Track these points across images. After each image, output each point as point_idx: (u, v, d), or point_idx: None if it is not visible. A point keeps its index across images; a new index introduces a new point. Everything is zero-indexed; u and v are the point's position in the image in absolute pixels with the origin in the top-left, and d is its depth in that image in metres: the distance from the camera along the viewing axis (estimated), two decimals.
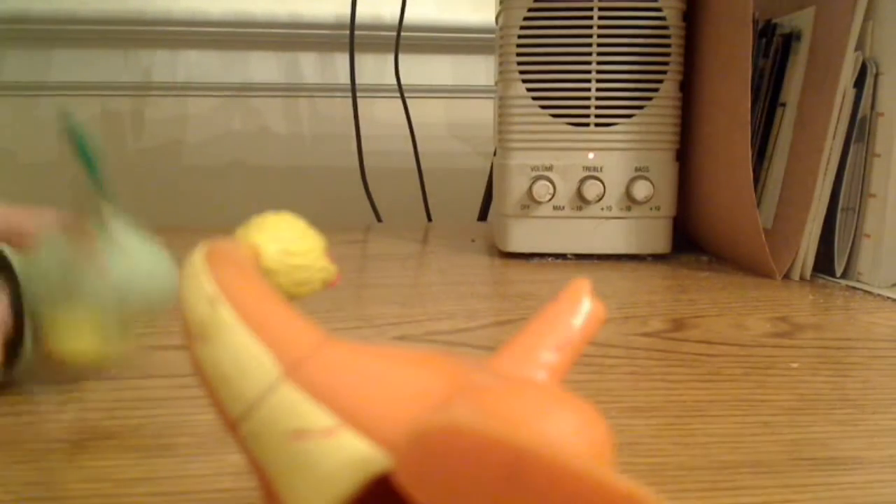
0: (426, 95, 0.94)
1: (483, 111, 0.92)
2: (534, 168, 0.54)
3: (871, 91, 0.47)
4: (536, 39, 0.54)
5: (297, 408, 0.13)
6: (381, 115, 0.94)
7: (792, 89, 0.52)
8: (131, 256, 0.25)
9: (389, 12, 0.89)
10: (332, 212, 0.93)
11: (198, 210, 0.91)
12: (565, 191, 0.54)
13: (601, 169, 0.54)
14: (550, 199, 0.54)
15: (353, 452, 0.12)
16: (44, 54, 0.90)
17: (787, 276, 0.49)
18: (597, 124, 0.54)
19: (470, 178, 0.90)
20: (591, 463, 0.09)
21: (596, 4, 0.53)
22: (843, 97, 0.47)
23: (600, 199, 0.54)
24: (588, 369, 0.30)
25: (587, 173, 0.54)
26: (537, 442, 0.09)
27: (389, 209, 0.86)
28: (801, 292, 0.45)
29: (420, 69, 0.95)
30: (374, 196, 0.84)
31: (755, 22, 0.52)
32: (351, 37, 0.82)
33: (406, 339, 0.34)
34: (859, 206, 0.47)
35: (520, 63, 0.54)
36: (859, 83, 0.47)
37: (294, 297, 0.19)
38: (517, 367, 0.15)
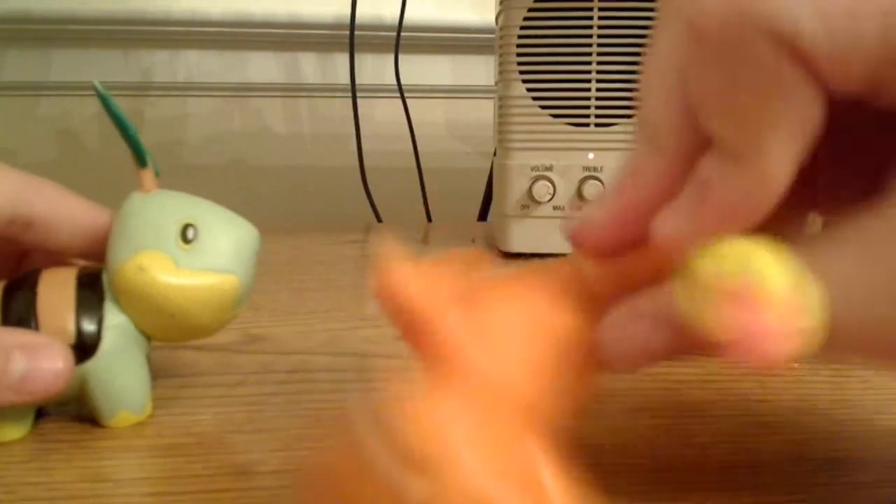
0: (426, 95, 0.94)
1: (483, 111, 0.92)
2: (534, 168, 0.54)
3: None
4: (536, 39, 0.54)
5: None
6: (381, 115, 0.94)
7: None
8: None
9: (389, 12, 0.89)
10: (332, 212, 0.93)
11: None
12: (565, 191, 0.54)
13: (601, 169, 0.54)
14: (550, 199, 0.54)
15: None
16: (44, 54, 0.90)
17: None
18: (597, 124, 0.54)
19: (470, 178, 0.90)
20: None
21: (596, 4, 0.53)
22: None
23: None
24: None
25: (587, 173, 0.54)
26: None
27: (389, 209, 0.86)
28: None
29: (420, 69, 0.95)
30: (374, 196, 0.84)
31: None
32: (351, 37, 0.82)
33: None
34: None
35: (520, 63, 0.54)
36: None
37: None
38: None
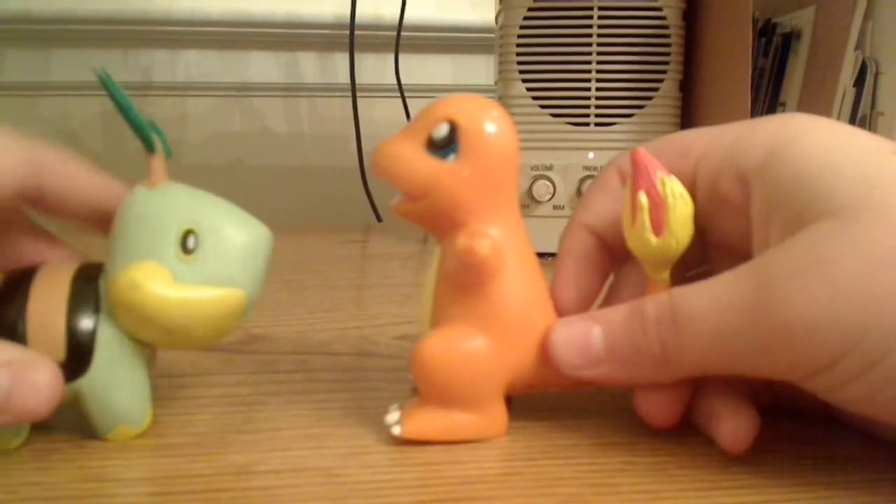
0: (426, 95, 0.94)
1: None
2: (534, 167, 0.54)
3: (871, 90, 0.47)
4: (536, 39, 0.54)
5: None
6: (381, 114, 0.94)
7: (792, 89, 0.52)
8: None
9: (389, 12, 0.89)
10: (332, 212, 0.93)
11: None
12: (565, 190, 0.54)
13: (601, 168, 0.54)
14: (550, 199, 0.54)
15: None
16: (44, 54, 0.90)
17: None
18: (597, 124, 0.54)
19: None
20: None
21: (596, 4, 0.53)
22: (843, 96, 0.47)
23: None
24: None
25: (587, 173, 0.54)
26: None
27: (389, 209, 0.86)
28: None
29: (420, 69, 0.95)
30: (374, 196, 0.84)
31: (755, 21, 0.52)
32: (351, 37, 0.82)
33: (406, 338, 0.34)
34: None
35: (519, 63, 0.54)
36: (859, 82, 0.47)
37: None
38: None
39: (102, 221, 0.24)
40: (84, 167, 0.25)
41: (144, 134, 0.22)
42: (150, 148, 0.23)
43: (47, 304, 0.22)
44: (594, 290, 0.25)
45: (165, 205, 0.22)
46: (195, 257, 0.22)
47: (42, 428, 0.23)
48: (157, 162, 0.23)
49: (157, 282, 0.21)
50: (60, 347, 0.21)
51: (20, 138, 0.24)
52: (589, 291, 0.25)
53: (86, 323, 0.22)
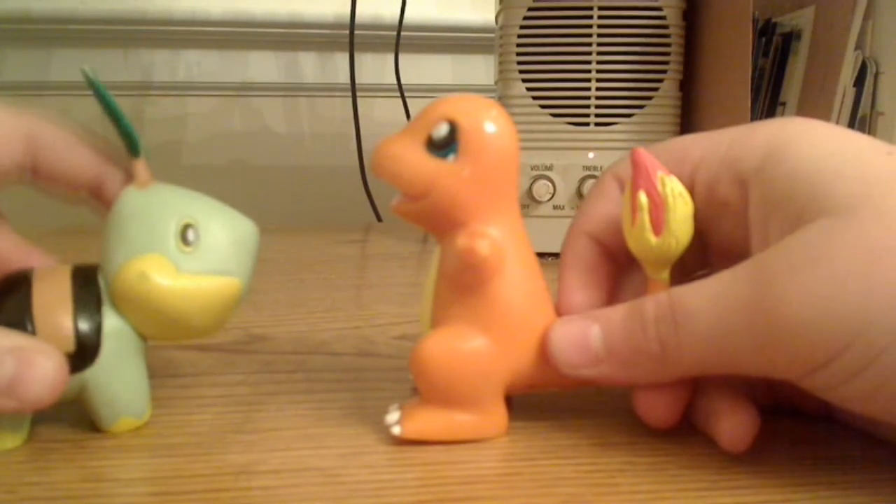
0: (426, 95, 0.94)
1: None
2: (533, 167, 0.54)
3: (870, 90, 0.47)
4: (536, 39, 0.54)
5: None
6: (381, 114, 0.94)
7: (792, 89, 0.52)
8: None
9: (389, 12, 0.89)
10: (332, 212, 0.93)
11: None
12: (565, 190, 0.54)
13: (601, 168, 0.54)
14: (550, 199, 0.54)
15: None
16: (44, 54, 0.90)
17: None
18: (597, 124, 0.54)
19: None
20: None
21: (596, 4, 0.53)
22: (843, 96, 0.47)
23: None
24: None
25: (587, 173, 0.54)
26: None
27: (390, 209, 0.86)
28: None
29: (420, 69, 0.95)
30: (374, 196, 0.84)
31: (755, 21, 0.52)
32: (351, 36, 0.82)
33: (406, 338, 0.34)
34: None
35: (519, 63, 0.54)
36: (859, 82, 0.47)
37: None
38: None
39: (95, 197, 0.25)
40: (80, 142, 0.25)
41: (131, 136, 0.23)
42: (135, 151, 0.24)
43: (52, 302, 0.22)
44: (600, 299, 0.25)
45: (160, 202, 0.23)
46: (195, 249, 0.23)
47: (42, 422, 0.23)
48: (142, 165, 0.24)
49: (165, 273, 0.22)
50: (70, 342, 0.22)
51: (16, 114, 0.24)
52: (595, 300, 0.25)
53: (92, 317, 0.23)
